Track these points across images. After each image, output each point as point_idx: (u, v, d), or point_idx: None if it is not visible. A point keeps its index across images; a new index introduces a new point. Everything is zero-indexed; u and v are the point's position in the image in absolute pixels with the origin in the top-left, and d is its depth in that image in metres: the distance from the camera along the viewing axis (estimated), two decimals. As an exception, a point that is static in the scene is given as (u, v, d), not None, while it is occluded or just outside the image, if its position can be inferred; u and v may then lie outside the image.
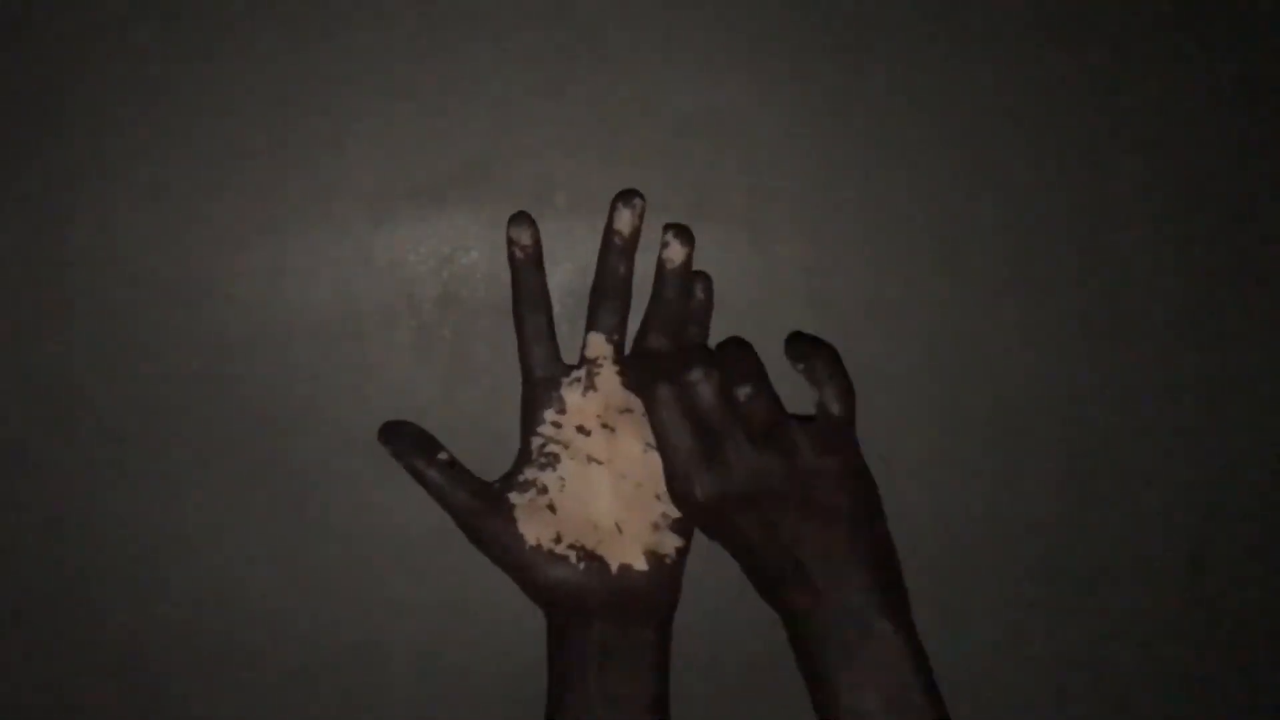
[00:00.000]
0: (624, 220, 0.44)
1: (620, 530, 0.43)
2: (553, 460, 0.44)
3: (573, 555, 0.42)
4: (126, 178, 0.47)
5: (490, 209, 0.49)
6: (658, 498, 0.43)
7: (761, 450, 0.39)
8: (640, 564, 0.43)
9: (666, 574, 0.43)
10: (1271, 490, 0.54)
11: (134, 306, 0.47)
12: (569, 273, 0.49)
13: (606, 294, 0.45)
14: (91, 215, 0.47)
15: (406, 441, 0.43)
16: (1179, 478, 0.54)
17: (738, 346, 0.41)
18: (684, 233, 0.45)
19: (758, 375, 0.40)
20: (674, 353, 0.43)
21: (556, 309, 0.47)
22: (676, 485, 0.40)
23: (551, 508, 0.43)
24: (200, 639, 0.50)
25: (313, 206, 0.48)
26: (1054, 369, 0.52)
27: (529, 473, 0.44)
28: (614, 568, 0.43)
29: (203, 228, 0.47)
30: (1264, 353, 0.53)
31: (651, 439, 0.44)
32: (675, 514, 0.43)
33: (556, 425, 0.44)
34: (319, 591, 0.50)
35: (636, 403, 0.44)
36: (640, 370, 0.41)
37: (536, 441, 0.44)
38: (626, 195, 0.44)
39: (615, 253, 0.45)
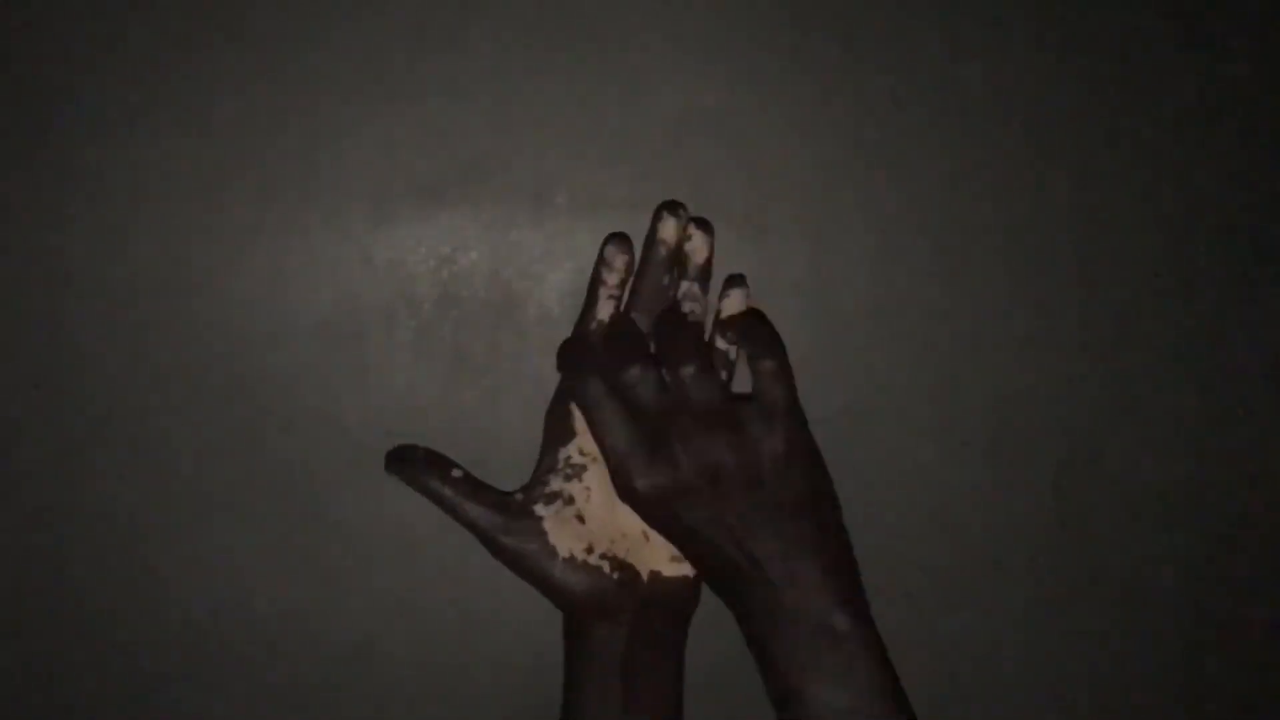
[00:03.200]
0: (669, 230, 0.42)
1: (648, 537, 0.43)
2: (579, 471, 0.43)
3: (606, 565, 0.42)
4: (126, 178, 0.47)
5: (490, 209, 0.48)
6: None
7: (706, 436, 0.38)
8: (669, 569, 0.42)
9: (692, 578, 0.43)
10: (1272, 493, 0.54)
11: (134, 306, 0.47)
12: (569, 273, 0.49)
13: (648, 307, 0.42)
14: (91, 215, 0.47)
15: (417, 465, 0.41)
16: (1179, 476, 0.54)
17: (675, 321, 0.40)
18: (705, 223, 0.43)
19: (700, 353, 0.39)
20: (610, 337, 0.40)
21: (556, 310, 0.47)
22: (618, 480, 0.38)
23: (580, 518, 0.42)
24: (200, 638, 0.50)
25: (313, 206, 0.48)
26: (1054, 368, 0.52)
27: (555, 483, 0.42)
28: (645, 575, 0.42)
29: (203, 228, 0.47)
30: (1265, 356, 0.53)
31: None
32: None
33: (588, 440, 0.43)
34: (319, 591, 0.50)
35: None
36: (572, 363, 0.40)
37: (564, 453, 0.43)
38: (671, 205, 0.42)
39: (657, 264, 0.42)
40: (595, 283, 0.42)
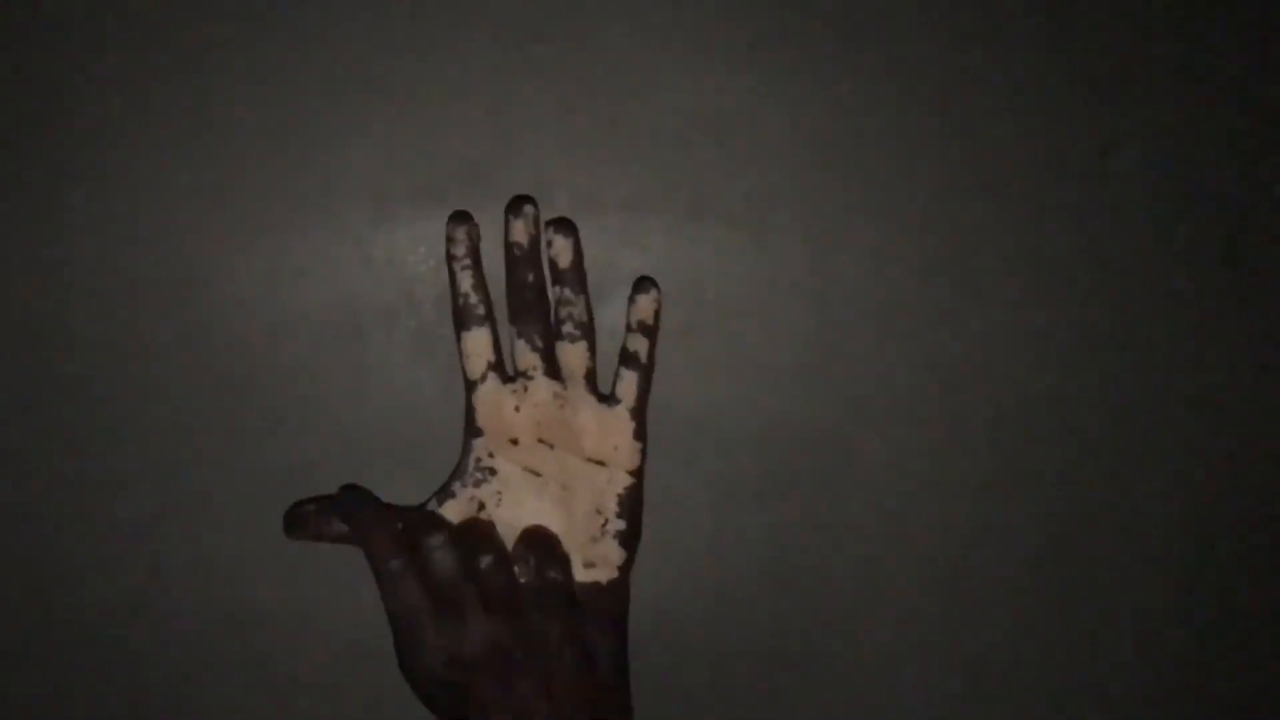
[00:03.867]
0: (518, 230, 0.43)
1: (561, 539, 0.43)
2: (488, 474, 0.43)
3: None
4: (126, 177, 0.47)
5: (490, 209, 0.48)
6: (598, 511, 0.43)
7: (495, 618, 0.40)
8: (581, 576, 0.43)
9: (609, 585, 0.43)
10: (1271, 493, 0.54)
11: (134, 306, 0.47)
12: (569, 273, 0.49)
13: (524, 305, 0.43)
14: (91, 215, 0.47)
15: (309, 519, 0.42)
16: (1179, 475, 0.54)
17: (473, 521, 0.41)
18: (564, 225, 0.43)
19: (498, 544, 0.40)
20: (409, 514, 0.42)
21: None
22: (405, 652, 0.40)
23: (491, 522, 0.43)
24: (199, 639, 0.50)
25: (313, 206, 0.48)
26: (1055, 369, 0.52)
27: (465, 489, 0.43)
28: None
29: (203, 228, 0.47)
30: (1266, 355, 0.53)
31: (594, 454, 0.43)
32: (617, 527, 0.43)
33: (494, 436, 0.43)
34: (319, 591, 0.50)
35: (572, 415, 0.43)
36: (371, 534, 0.41)
37: (474, 455, 0.43)
38: (515, 204, 0.43)
39: (521, 264, 0.43)
40: (449, 261, 0.43)
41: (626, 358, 0.44)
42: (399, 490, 0.46)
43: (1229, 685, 0.55)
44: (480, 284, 0.43)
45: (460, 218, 0.43)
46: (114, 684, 0.50)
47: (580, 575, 0.43)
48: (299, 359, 0.48)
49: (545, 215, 0.49)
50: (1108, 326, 0.52)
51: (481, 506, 0.43)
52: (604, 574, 0.43)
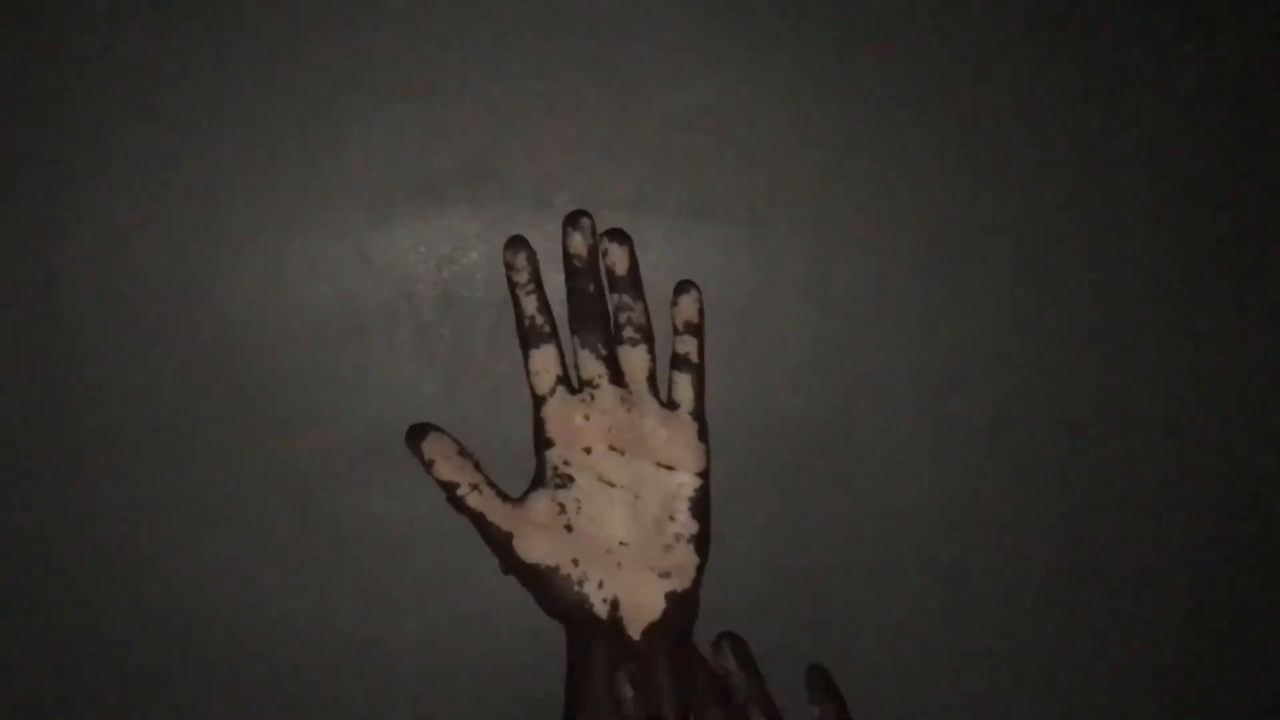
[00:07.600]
0: (577, 243, 0.44)
1: (635, 552, 0.43)
2: (567, 481, 0.44)
3: (588, 577, 0.42)
4: (126, 178, 0.47)
5: (490, 209, 0.49)
6: (671, 518, 0.43)
7: None
8: (653, 585, 0.43)
9: (683, 595, 0.43)
10: (1270, 491, 0.54)
11: (134, 306, 0.48)
12: (569, 273, 0.49)
13: (586, 314, 0.44)
14: (91, 215, 0.47)
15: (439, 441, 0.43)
16: (1178, 475, 0.54)
17: (719, 687, 0.42)
18: (618, 234, 0.44)
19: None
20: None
21: (557, 310, 0.47)
22: None
23: (569, 528, 0.43)
24: (200, 640, 0.50)
25: (313, 206, 0.48)
26: (1055, 369, 0.52)
27: (545, 494, 0.44)
28: (628, 588, 0.43)
29: (203, 228, 0.47)
30: (1266, 351, 0.53)
31: (663, 458, 0.43)
32: (690, 531, 0.43)
33: (567, 446, 0.44)
34: (319, 592, 0.50)
35: (639, 419, 0.44)
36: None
37: (550, 461, 0.44)
38: (573, 217, 0.44)
39: (579, 274, 0.44)
40: (511, 287, 0.44)
41: (677, 361, 0.45)
42: (399, 490, 0.46)
43: (1229, 685, 0.55)
44: (544, 305, 0.45)
45: (517, 244, 0.44)
46: (116, 684, 0.50)
47: (653, 585, 0.43)
48: (299, 359, 0.48)
49: (544, 216, 0.49)
50: (1107, 325, 0.52)
51: (562, 509, 0.43)
52: (679, 583, 0.43)
